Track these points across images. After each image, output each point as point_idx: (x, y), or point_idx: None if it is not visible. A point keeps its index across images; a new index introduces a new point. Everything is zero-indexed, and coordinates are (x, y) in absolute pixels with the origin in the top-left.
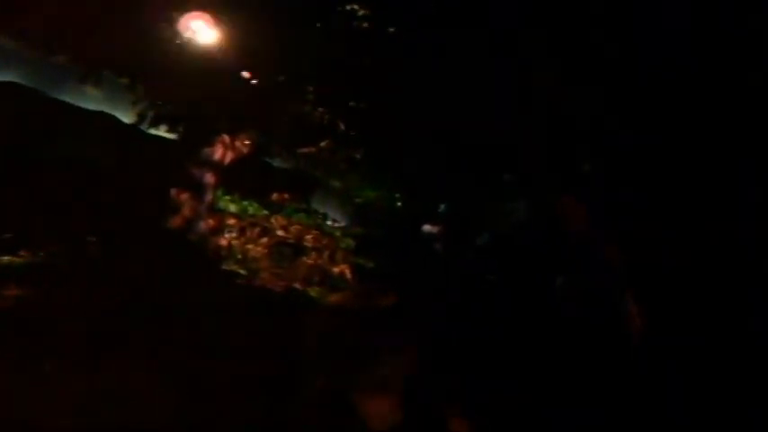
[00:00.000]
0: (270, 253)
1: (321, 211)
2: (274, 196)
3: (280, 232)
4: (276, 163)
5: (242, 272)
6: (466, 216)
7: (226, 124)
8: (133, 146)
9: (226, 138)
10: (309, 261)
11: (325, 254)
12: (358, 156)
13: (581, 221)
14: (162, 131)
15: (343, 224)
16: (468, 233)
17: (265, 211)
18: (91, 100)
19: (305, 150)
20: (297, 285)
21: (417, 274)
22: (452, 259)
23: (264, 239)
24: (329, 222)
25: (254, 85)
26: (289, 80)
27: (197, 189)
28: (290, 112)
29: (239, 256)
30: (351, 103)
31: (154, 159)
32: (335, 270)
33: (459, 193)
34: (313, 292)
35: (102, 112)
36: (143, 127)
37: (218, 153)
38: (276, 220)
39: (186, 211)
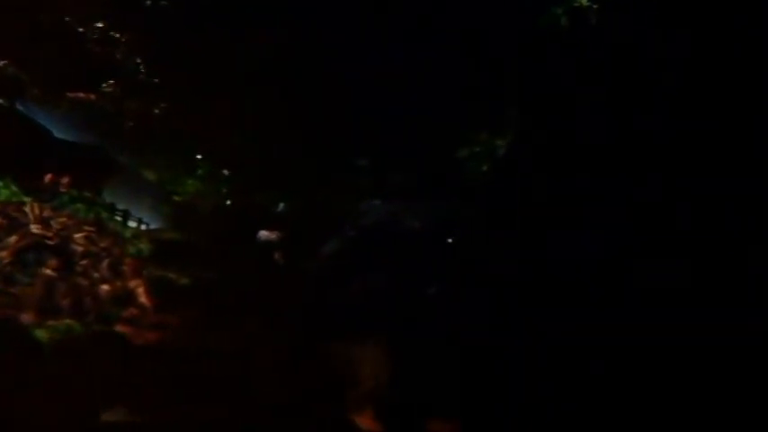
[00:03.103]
0: (13, 261)
1: (122, 208)
2: (47, 177)
3: (35, 228)
4: (61, 134)
5: None
6: (310, 217)
7: None
8: None
9: None
10: (76, 276)
11: (104, 263)
12: (157, 111)
13: None
14: None
15: (153, 227)
16: (312, 238)
17: (26, 198)
18: None
19: (78, 96)
20: (25, 317)
21: (250, 289)
22: (294, 270)
23: (13, 238)
24: (132, 223)
25: None
26: None
27: None
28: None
29: None
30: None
31: None
32: (118, 287)
33: (303, 185)
34: (42, 332)
35: None
36: None
37: None
38: (32, 210)
39: None
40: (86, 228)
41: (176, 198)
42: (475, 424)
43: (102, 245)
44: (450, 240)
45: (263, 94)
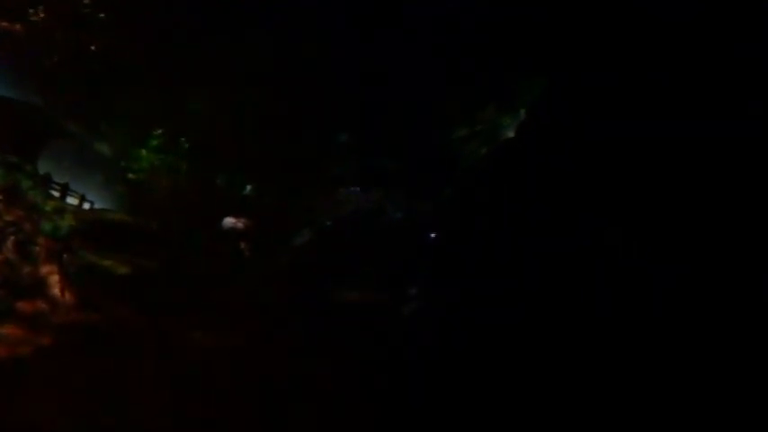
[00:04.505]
0: None
1: (62, 182)
2: None
3: None
4: None
5: None
6: (281, 203)
7: None
8: None
9: None
10: None
11: (9, 242)
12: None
13: None
14: None
15: (100, 207)
16: (283, 228)
17: None
18: None
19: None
20: None
21: (203, 283)
22: (262, 261)
23: None
24: (73, 200)
25: None
26: None
27: None
28: None
29: None
30: None
31: None
32: (26, 272)
33: (274, 166)
34: None
35: None
36: None
37: None
38: None
39: None
40: None
41: (131, 176)
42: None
43: (9, 218)
44: (433, 235)
45: (232, 52)
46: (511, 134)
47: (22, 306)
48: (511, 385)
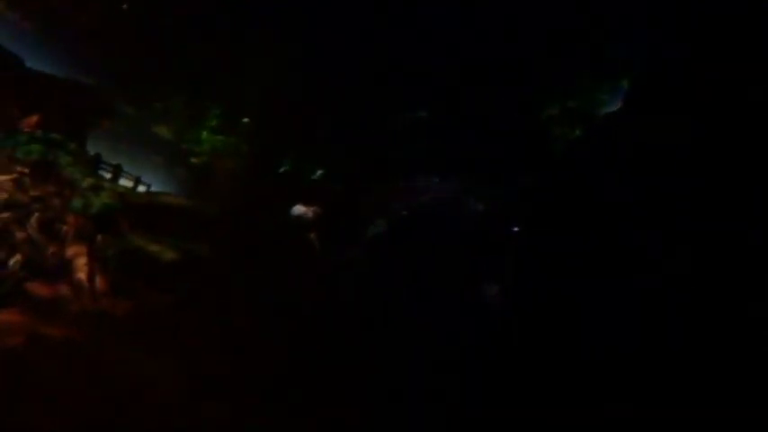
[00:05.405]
0: None
1: (115, 163)
2: (13, 112)
3: None
4: (35, 62)
5: None
6: (353, 192)
7: None
8: None
9: None
10: None
11: (32, 219)
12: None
13: None
14: None
15: (157, 189)
16: (355, 217)
17: None
18: None
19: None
20: None
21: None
22: (333, 253)
23: None
24: (126, 182)
25: None
26: None
27: None
28: None
29: None
30: None
31: None
32: (50, 253)
33: (347, 149)
34: None
35: None
36: None
37: None
38: None
39: None
40: (20, 169)
41: (193, 160)
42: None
43: (36, 193)
44: (516, 229)
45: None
46: (610, 110)
47: (38, 290)
48: (602, 390)
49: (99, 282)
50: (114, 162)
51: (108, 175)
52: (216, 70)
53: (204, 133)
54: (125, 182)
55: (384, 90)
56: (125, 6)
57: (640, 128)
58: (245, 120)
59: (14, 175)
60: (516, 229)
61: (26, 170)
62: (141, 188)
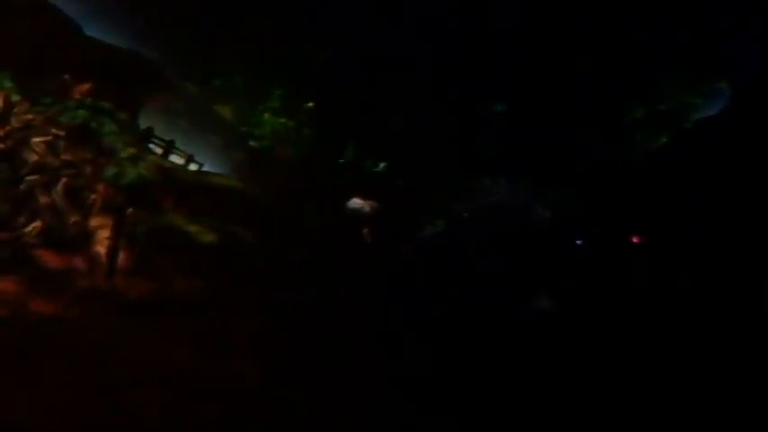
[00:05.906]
0: None
1: (168, 139)
2: (65, 77)
3: None
4: (94, 31)
5: None
6: (414, 189)
7: None
8: None
9: None
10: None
11: (59, 185)
12: None
13: None
14: None
15: (210, 170)
16: (414, 215)
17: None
18: None
19: None
20: None
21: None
22: (384, 252)
23: None
24: (177, 159)
25: None
26: None
27: None
28: None
29: None
30: None
31: None
32: (72, 222)
33: (413, 142)
34: None
35: None
36: None
37: None
38: None
39: None
40: (55, 131)
41: (252, 143)
42: None
43: (67, 157)
44: (580, 242)
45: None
46: (704, 114)
47: (49, 260)
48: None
49: (121, 258)
50: (169, 138)
51: (159, 151)
52: (280, 49)
53: (266, 115)
54: (177, 159)
55: (462, 83)
56: None
57: (745, 137)
58: (310, 104)
59: (49, 138)
60: (580, 242)
61: (62, 133)
62: (193, 166)
